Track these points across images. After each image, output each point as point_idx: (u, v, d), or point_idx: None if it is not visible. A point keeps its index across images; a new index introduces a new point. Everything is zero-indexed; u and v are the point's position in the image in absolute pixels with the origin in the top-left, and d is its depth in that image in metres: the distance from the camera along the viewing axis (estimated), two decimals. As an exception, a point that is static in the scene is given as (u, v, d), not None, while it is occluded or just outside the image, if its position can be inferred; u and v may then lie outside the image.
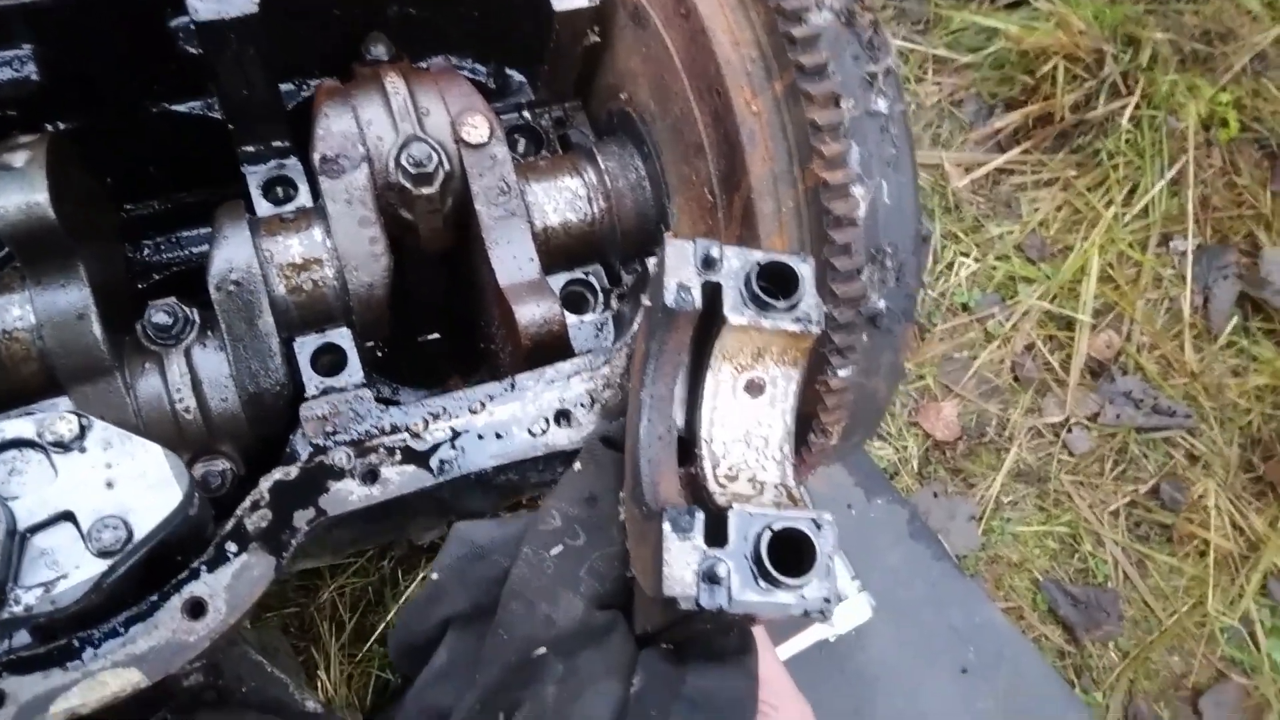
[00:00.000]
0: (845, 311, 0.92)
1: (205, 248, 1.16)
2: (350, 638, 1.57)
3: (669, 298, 0.75)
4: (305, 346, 1.05)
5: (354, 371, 1.04)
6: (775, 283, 0.76)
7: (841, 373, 0.96)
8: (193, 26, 0.97)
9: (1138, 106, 2.07)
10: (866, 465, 1.88)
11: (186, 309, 1.01)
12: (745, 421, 0.77)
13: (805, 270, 0.76)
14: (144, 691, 0.82)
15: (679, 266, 0.76)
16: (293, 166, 1.13)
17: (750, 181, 0.93)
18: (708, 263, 0.76)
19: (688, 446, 0.77)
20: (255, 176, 1.12)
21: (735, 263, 0.76)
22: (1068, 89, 2.07)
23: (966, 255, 2.05)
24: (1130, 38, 2.09)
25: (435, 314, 1.28)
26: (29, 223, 0.89)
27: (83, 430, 0.79)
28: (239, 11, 0.96)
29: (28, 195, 0.88)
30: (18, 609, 0.74)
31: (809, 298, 0.76)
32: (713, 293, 0.76)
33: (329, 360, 1.05)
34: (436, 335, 1.32)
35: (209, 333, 1.02)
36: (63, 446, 0.78)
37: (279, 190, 1.13)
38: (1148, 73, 2.08)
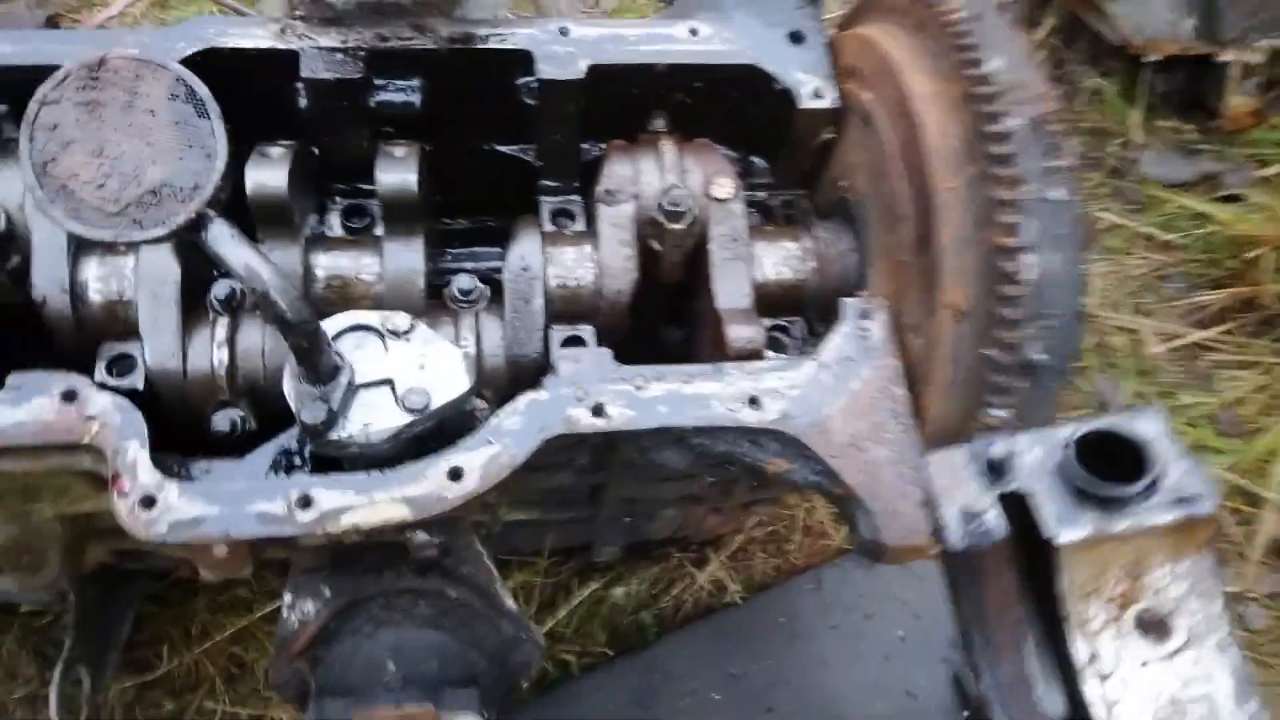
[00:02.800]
0: (1005, 356, 1.10)
1: (493, 263, 1.50)
2: (523, 629, 1.77)
3: (954, 535, 0.55)
4: (558, 334, 1.33)
5: (592, 357, 1.30)
6: (1107, 457, 0.56)
7: (997, 413, 1.12)
8: (535, 84, 1.32)
9: (1350, 303, 2.11)
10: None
11: (483, 285, 1.33)
12: (1165, 684, 0.52)
13: (1151, 425, 0.54)
14: (392, 547, 1.08)
15: (953, 485, 0.56)
16: (576, 203, 1.44)
17: (939, 244, 1.14)
18: (994, 468, 0.56)
19: None
20: (547, 205, 1.44)
21: (1036, 451, 0.55)
22: (1276, 278, 2.14)
23: (1153, 416, 2.11)
24: (1348, 239, 2.15)
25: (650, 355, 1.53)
26: (400, 194, 1.24)
27: (411, 327, 1.08)
28: (570, 76, 1.30)
29: (404, 175, 1.23)
30: (343, 434, 1.03)
31: (1174, 462, 0.54)
32: (1018, 506, 0.56)
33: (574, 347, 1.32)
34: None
35: (495, 305, 1.33)
36: (395, 334, 1.08)
37: (561, 219, 1.44)
38: (1363, 273, 2.12)
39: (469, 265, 1.55)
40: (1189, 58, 2.41)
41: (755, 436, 1.14)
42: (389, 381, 1.05)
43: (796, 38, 1.38)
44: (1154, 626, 0.53)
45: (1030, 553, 0.55)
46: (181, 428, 1.25)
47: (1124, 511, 0.53)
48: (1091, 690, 0.52)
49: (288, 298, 0.94)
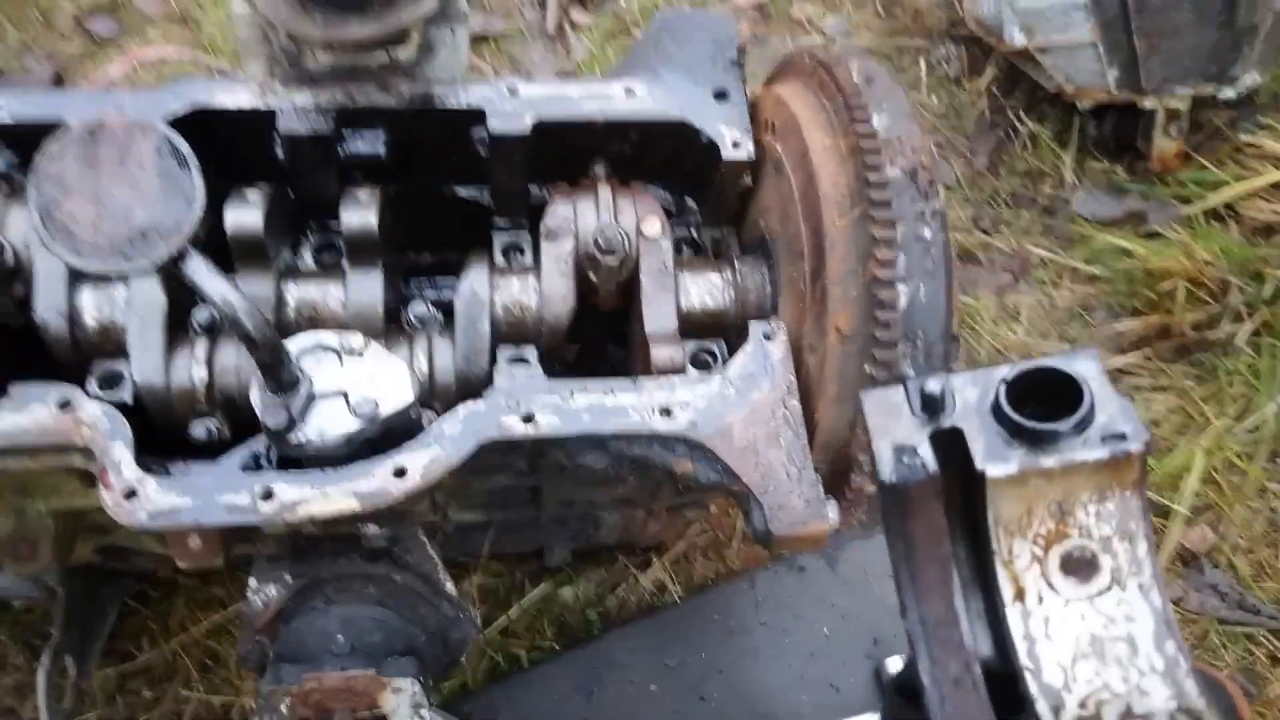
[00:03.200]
0: (882, 373, 1.27)
1: (451, 292, 1.67)
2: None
3: (887, 471, 0.58)
4: (504, 353, 1.49)
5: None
6: (1042, 400, 0.57)
7: (876, 423, 1.29)
8: (487, 137, 1.49)
9: (1257, 333, 2.27)
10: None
11: (436, 311, 1.50)
12: (1087, 623, 0.54)
13: (1086, 366, 0.56)
14: (346, 537, 1.24)
15: (888, 423, 0.59)
16: (525, 238, 1.62)
17: (828, 275, 1.31)
18: (929, 404, 0.58)
19: (1006, 684, 0.56)
20: (500, 240, 1.61)
21: (971, 391, 0.58)
22: (1189, 308, 2.31)
23: (1074, 436, 2.27)
24: (1256, 273, 2.32)
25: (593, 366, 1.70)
26: (361, 232, 1.41)
27: (365, 345, 1.25)
28: (517, 131, 1.48)
29: (365, 216, 1.41)
30: (301, 438, 1.19)
31: (1106, 400, 0.56)
32: (950, 444, 0.58)
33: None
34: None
35: (446, 329, 1.49)
36: (350, 352, 1.25)
37: (511, 253, 1.62)
38: (1271, 306, 2.29)
39: (430, 294, 1.73)
40: (1119, 104, 2.59)
41: (666, 441, 1.30)
42: (343, 393, 1.22)
43: (721, 95, 1.56)
44: (1079, 566, 0.52)
45: (964, 491, 0.55)
46: (164, 435, 1.41)
47: (1054, 447, 0.53)
48: (1014, 628, 0.52)
49: (254, 320, 1.11)
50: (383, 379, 1.24)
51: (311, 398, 1.20)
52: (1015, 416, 0.54)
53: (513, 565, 1.97)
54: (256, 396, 1.19)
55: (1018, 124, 2.75)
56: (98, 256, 1.04)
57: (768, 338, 1.38)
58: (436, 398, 1.47)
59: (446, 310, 1.54)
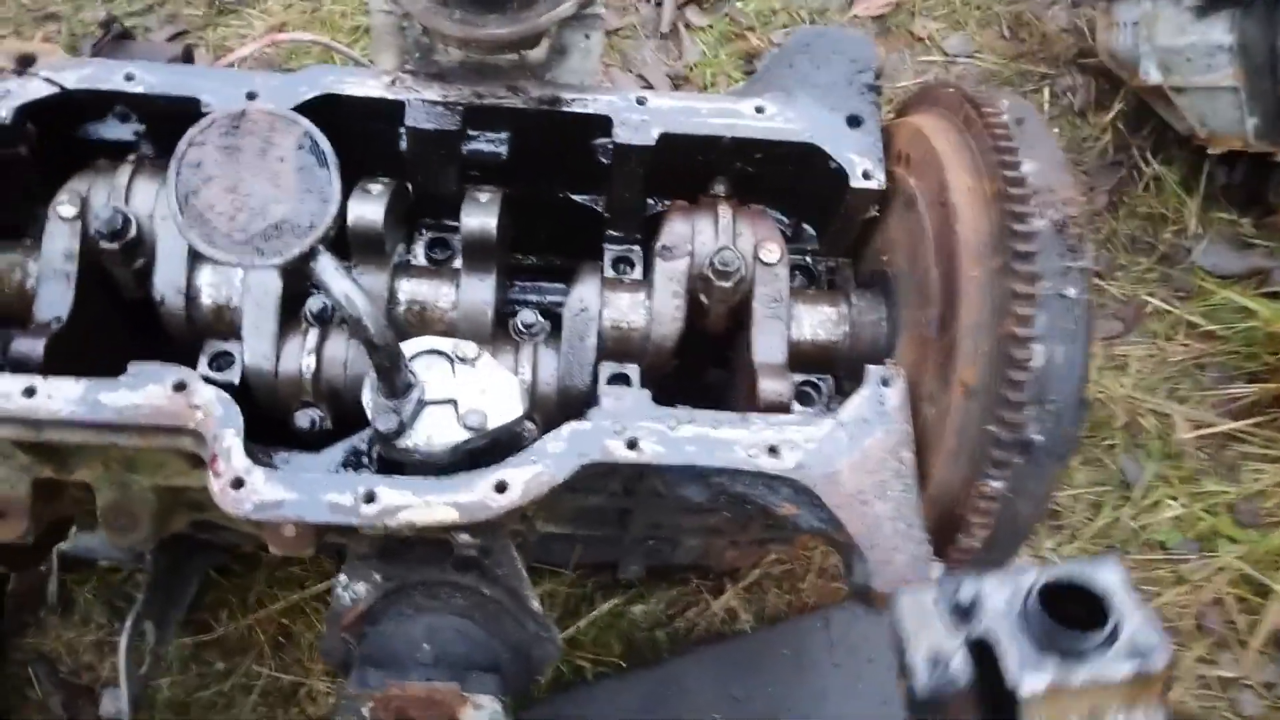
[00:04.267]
0: (1005, 433, 1.21)
1: (556, 298, 1.65)
2: (548, 634, 1.91)
3: (921, 680, 0.57)
4: (606, 369, 1.46)
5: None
6: (1072, 606, 0.58)
7: (993, 483, 1.23)
8: (610, 146, 1.46)
9: (1382, 410, 2.15)
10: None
11: (544, 320, 1.48)
12: None
13: (1111, 576, 0.57)
14: (441, 544, 1.22)
15: (922, 627, 0.59)
16: (636, 253, 1.58)
17: (959, 326, 1.26)
18: (961, 610, 0.59)
19: None
20: (610, 252, 1.58)
21: (1001, 595, 0.58)
22: (1312, 378, 2.19)
23: (1175, 499, 2.17)
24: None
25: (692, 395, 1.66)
26: (480, 235, 1.39)
27: (478, 355, 1.23)
28: (642, 142, 1.44)
29: (485, 219, 1.39)
30: (409, 443, 1.18)
31: (1132, 613, 0.56)
32: (983, 653, 0.58)
33: (618, 384, 1.46)
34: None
35: (553, 339, 1.47)
36: (463, 360, 1.23)
37: (621, 265, 1.59)
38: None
39: (534, 298, 1.71)
40: (1251, 154, 2.46)
41: (770, 482, 1.26)
42: (453, 401, 1.20)
43: (854, 121, 1.51)
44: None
45: (992, 696, 0.55)
46: (267, 420, 1.42)
47: (1083, 661, 0.54)
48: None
49: (376, 324, 1.09)
50: (492, 390, 1.22)
51: (422, 404, 1.19)
52: (1047, 630, 0.55)
53: (585, 576, 1.95)
54: (369, 398, 1.18)
55: (1142, 164, 2.64)
56: (231, 248, 1.04)
57: (885, 383, 1.32)
58: (536, 408, 1.45)
59: (551, 316, 1.52)
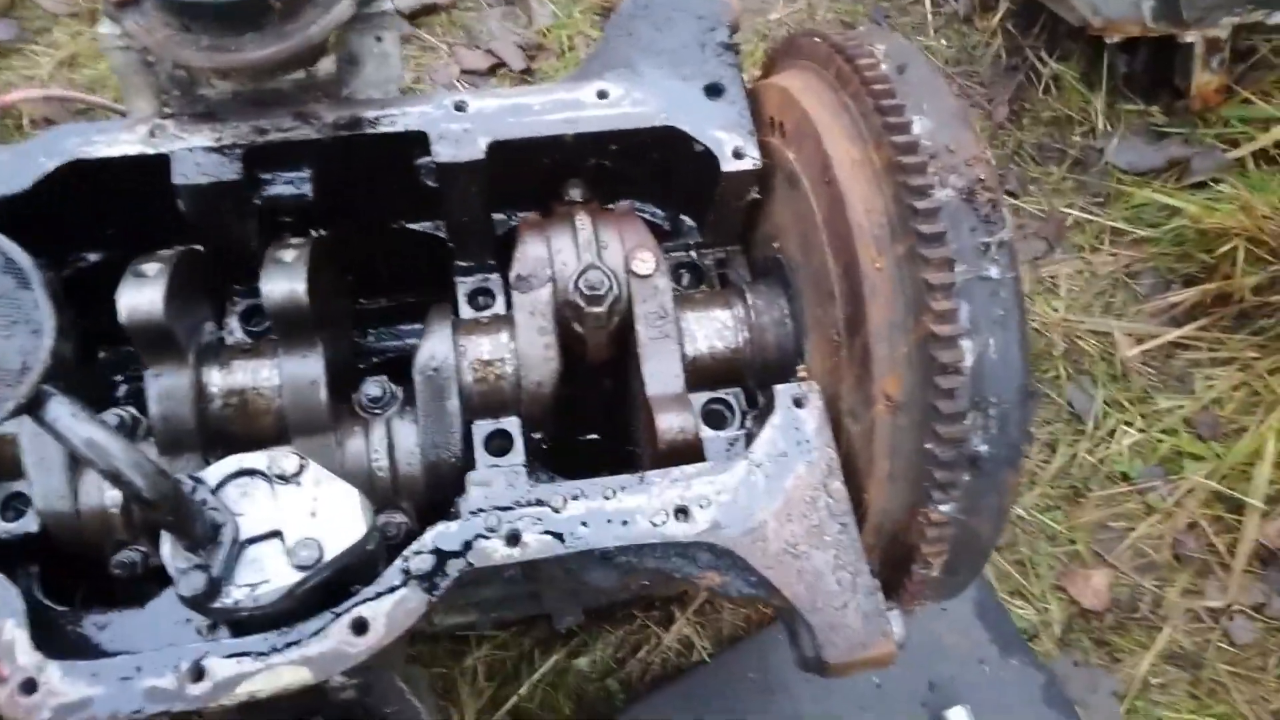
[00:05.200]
0: (947, 451, 1.02)
1: (416, 340, 1.41)
2: (486, 704, 1.71)
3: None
4: (481, 429, 1.24)
5: (518, 455, 1.22)
6: None
7: (942, 508, 1.04)
8: (434, 165, 1.22)
9: (1329, 294, 2.03)
10: (1004, 623, 1.86)
11: (394, 386, 1.24)
12: None
13: None
14: (306, 692, 1.00)
15: None
16: (494, 281, 1.35)
17: (869, 328, 1.05)
18: None
19: None
20: (464, 286, 1.35)
21: None
22: (1249, 271, 2.05)
23: (1130, 425, 2.04)
24: (1322, 224, 2.06)
25: (595, 417, 1.45)
26: (288, 306, 1.14)
27: (301, 469, 1.00)
28: (469, 157, 1.20)
29: (291, 284, 1.14)
30: (228, 601, 0.94)
31: None
32: None
33: (499, 444, 1.23)
34: (595, 436, 1.48)
35: (408, 408, 1.24)
36: (284, 479, 0.99)
37: (480, 299, 1.35)
38: (1341, 261, 2.04)
39: (392, 343, 1.48)
40: (1151, 38, 2.30)
41: (685, 550, 1.06)
42: (277, 533, 0.97)
43: (714, 91, 1.29)
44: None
45: None
46: (85, 568, 1.17)
47: None
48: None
49: (142, 471, 0.85)
50: (326, 509, 0.99)
51: (238, 545, 0.96)
52: None
53: (519, 633, 1.74)
54: (168, 554, 0.94)
55: (1039, 65, 2.46)
56: (-78, 419, 0.78)
57: (798, 404, 1.12)
58: (402, 495, 1.22)
59: (406, 366, 1.28)
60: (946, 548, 1.08)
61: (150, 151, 1.16)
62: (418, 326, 1.42)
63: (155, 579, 1.16)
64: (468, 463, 1.22)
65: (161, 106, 1.19)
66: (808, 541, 1.06)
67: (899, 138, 1.04)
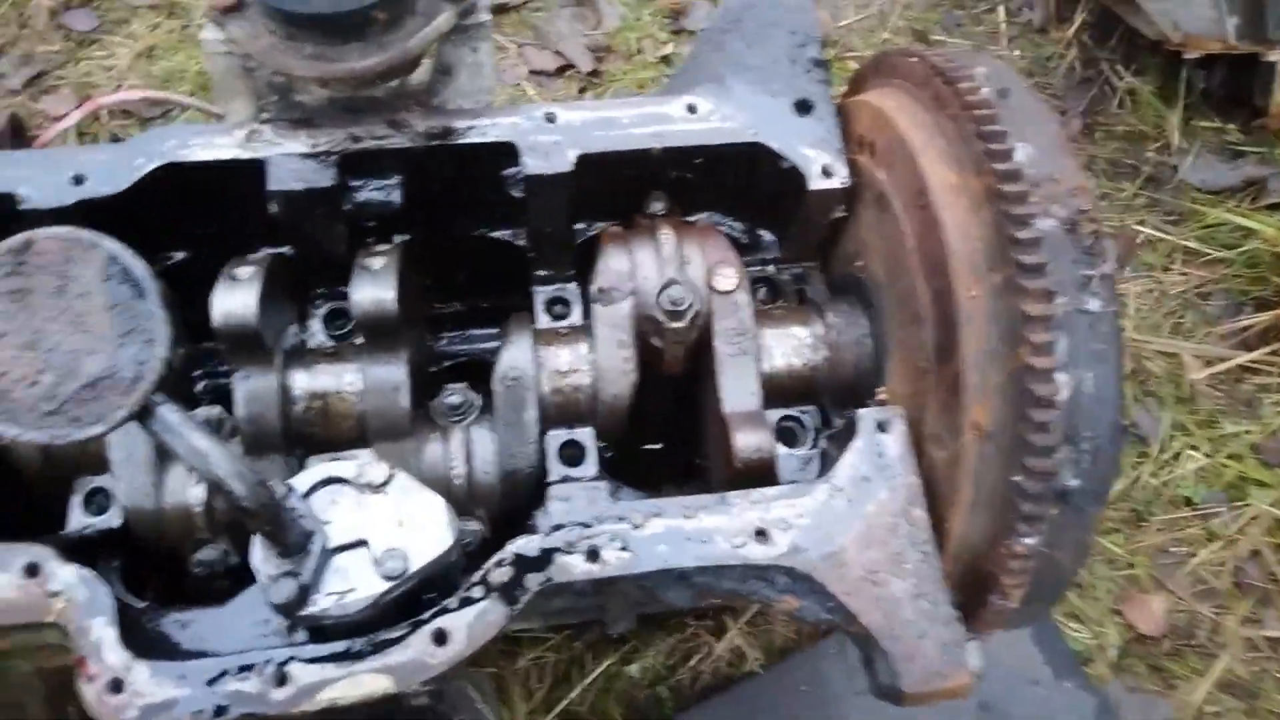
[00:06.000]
0: (1035, 484, 1.00)
1: (488, 345, 1.42)
2: (538, 706, 1.72)
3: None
4: (554, 439, 1.24)
5: (590, 466, 1.23)
6: None
7: (1026, 540, 1.03)
8: (521, 177, 1.22)
9: None
10: (1059, 644, 1.84)
11: (473, 395, 1.25)
12: None
13: None
14: (384, 700, 1.01)
15: None
16: (571, 291, 1.35)
17: (961, 356, 1.04)
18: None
19: None
20: (541, 295, 1.35)
21: None
22: (1327, 297, 2.01)
23: (1196, 449, 2.00)
24: (1406, 252, 2.01)
25: (661, 427, 1.45)
26: (377, 313, 1.15)
27: (389, 478, 1.01)
28: (557, 169, 1.20)
29: (380, 293, 1.15)
30: (315, 609, 0.96)
31: None
32: None
33: (571, 453, 1.24)
34: (659, 446, 1.48)
35: (485, 416, 1.24)
36: (371, 488, 1.00)
37: (556, 308, 1.35)
38: None
39: (462, 348, 1.48)
40: (1232, 55, 2.24)
41: (763, 573, 1.06)
42: (364, 542, 0.98)
43: (803, 107, 1.28)
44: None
45: None
46: (161, 564, 1.19)
47: None
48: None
49: (244, 481, 0.87)
50: (412, 519, 1.00)
51: (326, 554, 0.97)
52: None
53: (571, 637, 1.75)
54: (258, 561, 0.95)
55: (1114, 79, 2.41)
56: (37, 422, 0.80)
57: (882, 429, 1.11)
58: (478, 503, 1.23)
59: (485, 370, 1.29)
60: (1027, 580, 1.06)
61: (246, 156, 1.18)
62: (488, 332, 1.44)
63: (230, 577, 1.18)
64: (541, 470, 1.22)
65: (258, 112, 1.20)
66: (887, 569, 1.05)
67: (1001, 164, 1.02)
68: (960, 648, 1.03)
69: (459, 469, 1.21)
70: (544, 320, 1.33)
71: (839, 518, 1.07)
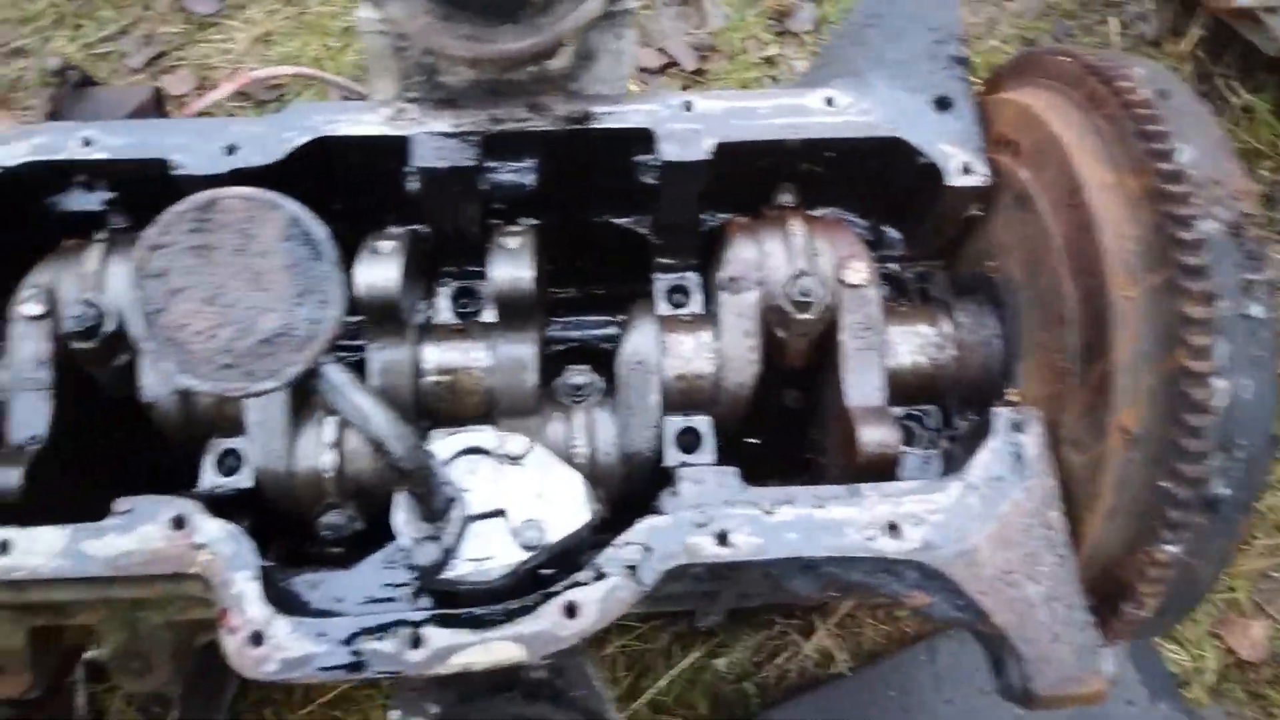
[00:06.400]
0: (1185, 490, 0.98)
1: (600, 331, 1.43)
2: (624, 694, 1.72)
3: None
4: (672, 425, 1.25)
5: (708, 453, 1.23)
6: None
7: (1168, 548, 1.01)
8: (657, 164, 1.23)
9: None
10: (1156, 666, 1.79)
11: (597, 377, 1.26)
12: None
13: None
14: (505, 669, 1.02)
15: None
16: (692, 279, 1.36)
17: (1114, 358, 1.02)
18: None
19: None
20: (662, 283, 1.36)
21: None
22: None
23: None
24: None
25: (764, 420, 1.43)
26: (514, 292, 1.17)
27: (528, 450, 1.02)
28: (695, 157, 1.21)
29: (518, 271, 1.17)
30: (454, 574, 0.97)
31: None
32: None
33: (688, 440, 1.24)
34: (758, 440, 1.46)
35: (608, 399, 1.25)
36: (510, 459, 1.02)
37: (677, 296, 1.36)
38: None
39: (575, 334, 1.49)
40: (1357, 72, 2.18)
41: (893, 566, 1.05)
42: (503, 512, 0.99)
43: (943, 104, 1.26)
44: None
45: None
46: (288, 526, 1.22)
47: None
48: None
49: (404, 444, 0.88)
50: (551, 493, 1.01)
51: (467, 521, 0.98)
52: None
53: (660, 627, 1.75)
54: (401, 523, 0.97)
55: (1229, 95, 2.35)
56: (213, 374, 0.83)
57: (1018, 429, 1.10)
58: (598, 481, 1.23)
59: (597, 354, 1.30)
60: (1165, 589, 1.04)
61: (392, 133, 1.20)
62: (601, 318, 1.45)
63: (350, 543, 1.20)
64: (658, 455, 1.23)
65: (404, 91, 1.23)
66: (1021, 570, 1.03)
67: (1163, 165, 1.00)
68: (1095, 653, 1.00)
69: (581, 448, 1.22)
70: (664, 307, 1.34)
71: (973, 516, 1.05)
